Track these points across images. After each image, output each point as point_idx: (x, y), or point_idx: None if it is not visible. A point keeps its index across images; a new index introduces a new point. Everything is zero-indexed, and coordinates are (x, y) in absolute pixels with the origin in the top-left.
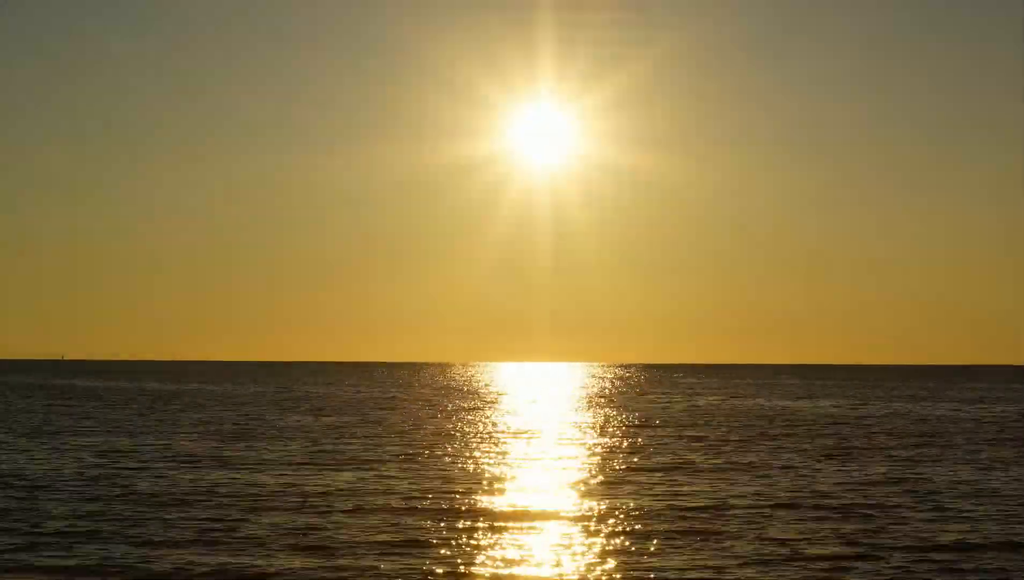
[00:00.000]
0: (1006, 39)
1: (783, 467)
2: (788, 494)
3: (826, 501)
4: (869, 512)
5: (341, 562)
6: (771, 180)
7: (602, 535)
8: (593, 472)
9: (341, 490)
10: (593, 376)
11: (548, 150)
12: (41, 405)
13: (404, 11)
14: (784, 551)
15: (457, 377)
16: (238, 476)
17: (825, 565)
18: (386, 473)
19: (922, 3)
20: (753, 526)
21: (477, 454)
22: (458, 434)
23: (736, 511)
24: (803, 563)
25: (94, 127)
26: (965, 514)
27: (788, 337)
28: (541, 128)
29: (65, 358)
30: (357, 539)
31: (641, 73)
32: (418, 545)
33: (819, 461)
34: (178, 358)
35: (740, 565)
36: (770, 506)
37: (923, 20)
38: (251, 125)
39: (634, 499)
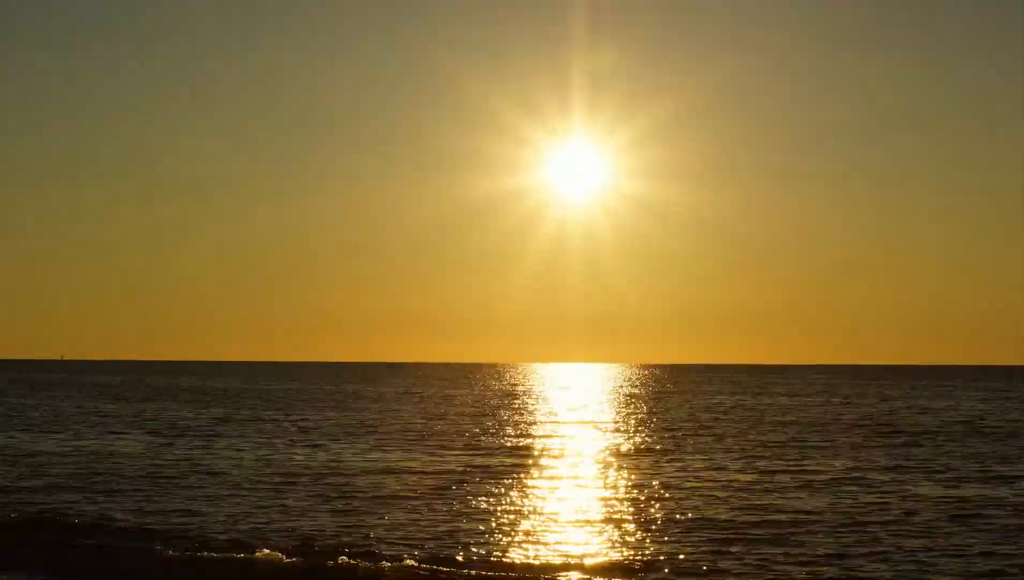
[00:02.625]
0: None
1: None
2: None
3: None
4: None
5: None
6: (794, 205)
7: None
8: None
9: None
10: (623, 376)
11: (580, 182)
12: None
13: (457, 61)
14: None
15: (517, 378)
16: None
17: None
18: None
19: (953, 39)
20: None
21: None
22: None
23: None
24: None
25: (99, 127)
26: None
27: (806, 341)
28: (574, 163)
29: (65, 358)
30: None
31: (667, 111)
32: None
33: None
34: (179, 358)
35: None
36: None
37: (951, 46)
38: (307, 161)
39: None
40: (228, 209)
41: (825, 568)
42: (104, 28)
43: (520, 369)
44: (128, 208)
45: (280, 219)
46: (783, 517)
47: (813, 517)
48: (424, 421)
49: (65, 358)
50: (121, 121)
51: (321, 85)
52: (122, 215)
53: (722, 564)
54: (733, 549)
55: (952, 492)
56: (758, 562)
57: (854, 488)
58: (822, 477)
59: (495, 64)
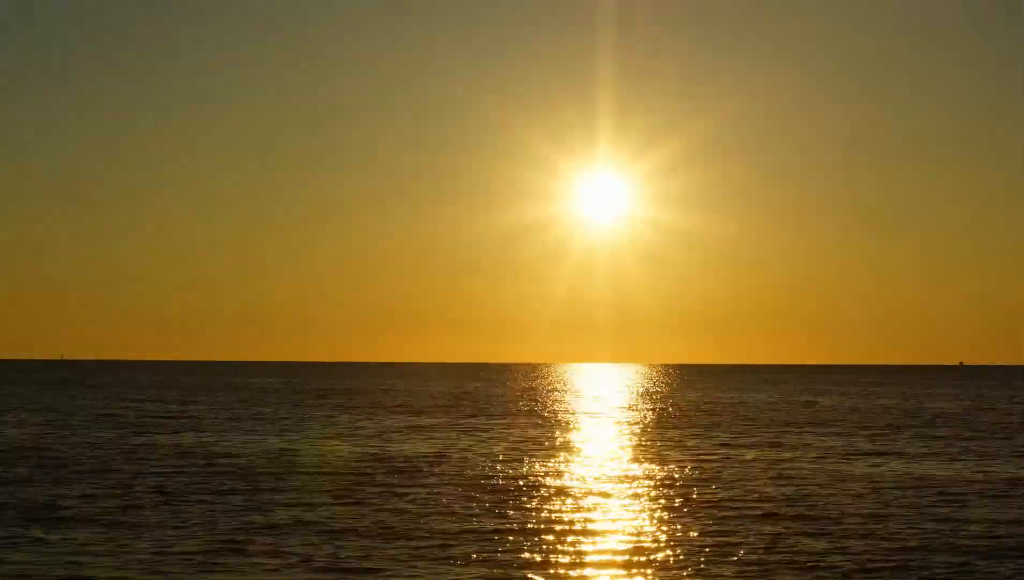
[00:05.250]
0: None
1: None
2: None
3: None
4: None
5: None
6: (812, 236)
7: None
8: None
9: None
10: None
11: (606, 210)
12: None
13: (490, 96)
14: None
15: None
16: None
17: None
18: None
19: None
20: None
21: None
22: None
23: None
24: None
25: (98, 127)
26: None
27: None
28: (600, 190)
29: (65, 358)
30: None
31: (690, 141)
32: None
33: None
34: (179, 358)
35: None
36: None
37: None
38: (350, 188)
39: None
40: (239, 218)
41: None
42: (125, 26)
43: (555, 368)
44: (129, 208)
45: (319, 234)
46: None
47: None
48: None
49: (65, 358)
50: (121, 121)
51: (365, 121)
52: (122, 214)
53: None
54: None
55: None
56: None
57: None
58: None
59: (526, 98)
